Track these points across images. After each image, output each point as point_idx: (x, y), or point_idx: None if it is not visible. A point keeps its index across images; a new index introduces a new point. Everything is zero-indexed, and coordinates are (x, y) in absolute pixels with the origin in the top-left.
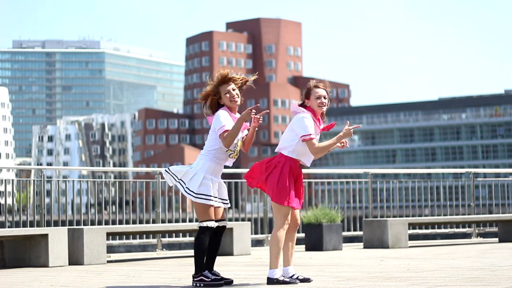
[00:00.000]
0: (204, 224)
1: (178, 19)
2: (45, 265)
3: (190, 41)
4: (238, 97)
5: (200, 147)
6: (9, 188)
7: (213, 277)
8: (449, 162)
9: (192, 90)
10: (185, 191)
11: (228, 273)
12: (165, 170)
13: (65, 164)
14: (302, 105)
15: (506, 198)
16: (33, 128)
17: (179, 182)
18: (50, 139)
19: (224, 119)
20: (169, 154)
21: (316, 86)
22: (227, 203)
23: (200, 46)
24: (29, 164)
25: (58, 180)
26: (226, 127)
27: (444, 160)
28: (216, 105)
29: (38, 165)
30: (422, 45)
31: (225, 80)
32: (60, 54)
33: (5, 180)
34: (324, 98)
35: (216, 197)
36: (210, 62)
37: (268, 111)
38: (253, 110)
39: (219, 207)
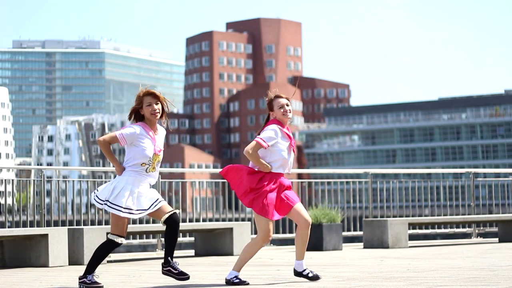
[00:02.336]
0: (113, 237)
1: (178, 19)
2: (45, 265)
3: (190, 41)
4: (159, 112)
5: (200, 147)
6: (9, 188)
7: (94, 279)
8: (449, 162)
9: (192, 90)
10: (99, 202)
11: (228, 273)
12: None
13: (65, 164)
14: (269, 117)
15: (506, 198)
16: (33, 128)
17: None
18: (50, 139)
19: (130, 126)
20: (169, 154)
21: (277, 97)
22: (151, 208)
23: (200, 46)
24: (29, 164)
25: (58, 180)
26: (117, 132)
27: (444, 160)
28: (135, 114)
29: (38, 165)
30: (422, 45)
31: (150, 93)
32: (60, 54)
33: (5, 180)
34: (287, 105)
35: (129, 209)
36: (210, 62)
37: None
38: None
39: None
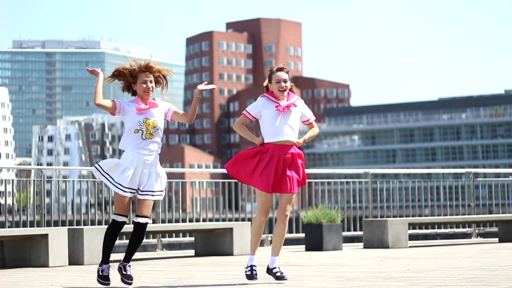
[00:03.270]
0: (113, 217)
1: (178, 19)
2: (45, 265)
3: (190, 41)
4: (152, 90)
5: (200, 147)
6: (9, 188)
7: (106, 273)
8: (449, 162)
9: (192, 90)
10: (99, 171)
11: (228, 273)
12: (94, 167)
13: (65, 164)
14: (267, 89)
15: (506, 198)
16: (33, 128)
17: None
18: (50, 139)
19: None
20: (169, 154)
21: (278, 70)
22: (143, 194)
23: (200, 46)
24: (29, 164)
25: (58, 180)
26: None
27: (444, 160)
28: (127, 88)
29: (38, 165)
30: (422, 45)
31: (147, 68)
32: (60, 54)
33: (5, 180)
34: (285, 82)
35: (121, 185)
36: (210, 62)
37: (215, 86)
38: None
39: (127, 197)
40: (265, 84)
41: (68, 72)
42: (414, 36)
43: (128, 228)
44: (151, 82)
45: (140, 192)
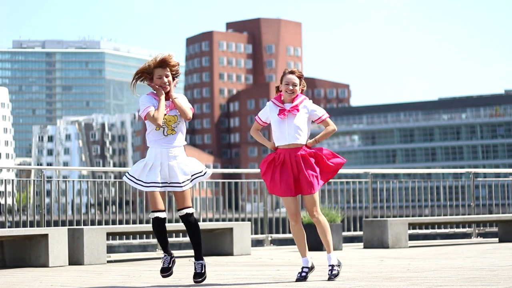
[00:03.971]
0: (150, 215)
1: (178, 19)
2: (45, 265)
3: (190, 41)
4: (169, 85)
5: (200, 147)
6: (9, 188)
7: (164, 266)
8: (449, 162)
9: (192, 90)
10: (128, 178)
11: (228, 273)
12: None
13: (65, 164)
14: (278, 89)
15: (506, 198)
16: (33, 128)
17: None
18: (50, 139)
19: (144, 102)
20: None
21: (290, 72)
22: (171, 186)
23: (200, 46)
24: (29, 164)
25: (58, 180)
26: (148, 109)
27: (444, 160)
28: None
29: (38, 165)
30: (422, 45)
31: (164, 63)
32: (60, 54)
33: (5, 180)
34: (293, 85)
35: (141, 181)
36: (210, 62)
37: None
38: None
39: (154, 191)
40: (277, 85)
41: (68, 72)
42: (414, 36)
43: (131, 228)
44: (166, 76)
45: (169, 185)
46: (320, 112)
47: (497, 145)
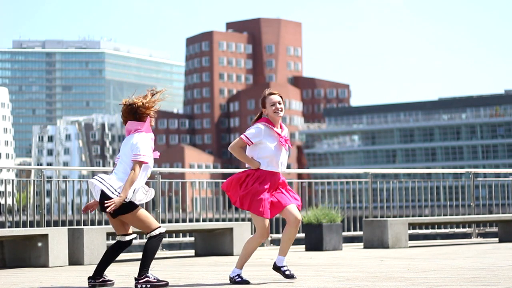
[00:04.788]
0: (158, 231)
1: (178, 19)
2: (45, 265)
3: (190, 41)
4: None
5: (200, 147)
6: (9, 188)
7: (157, 277)
8: (449, 162)
9: (192, 90)
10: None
11: (228, 273)
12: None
13: (65, 164)
14: (261, 115)
15: (506, 198)
16: (33, 128)
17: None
18: (50, 139)
19: (145, 149)
20: (169, 154)
21: (270, 94)
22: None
23: (200, 46)
24: (29, 164)
25: (58, 180)
26: (144, 159)
27: (444, 160)
28: (133, 114)
29: (38, 165)
30: (422, 45)
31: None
32: (60, 54)
33: (5, 180)
34: (279, 104)
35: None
36: (210, 62)
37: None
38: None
39: None
40: (260, 113)
41: (68, 72)
42: (414, 36)
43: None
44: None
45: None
46: None
47: (497, 145)
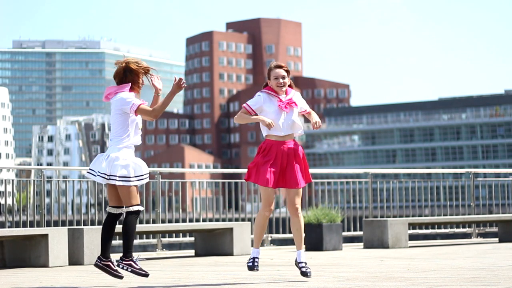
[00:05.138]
0: (137, 208)
1: (178, 19)
2: (45, 265)
3: (190, 41)
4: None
5: (200, 147)
6: (9, 188)
7: (139, 266)
8: (449, 162)
9: (192, 90)
10: (103, 177)
11: (228, 273)
12: (87, 172)
13: (65, 164)
14: (266, 85)
15: (506, 198)
16: (33, 128)
17: (97, 174)
18: (50, 139)
19: (130, 97)
20: (169, 154)
21: (276, 67)
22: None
23: (200, 46)
24: (29, 164)
25: (58, 180)
26: (136, 103)
27: (444, 160)
28: (123, 77)
29: (38, 165)
30: (422, 45)
31: (147, 71)
32: (60, 54)
33: (5, 180)
34: (283, 78)
35: (135, 177)
36: (210, 62)
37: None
38: (182, 81)
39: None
40: (265, 82)
41: (68, 72)
42: (414, 36)
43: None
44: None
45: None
46: (306, 106)
47: (497, 145)
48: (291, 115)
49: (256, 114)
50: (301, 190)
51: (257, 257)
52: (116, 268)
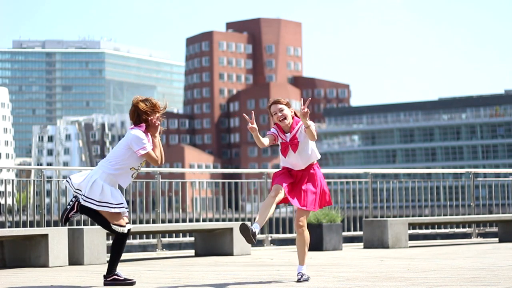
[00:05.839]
0: (120, 230)
1: (178, 19)
2: (45, 265)
3: (190, 41)
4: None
5: (200, 147)
6: (9, 188)
7: (124, 276)
8: (449, 162)
9: (192, 90)
10: (84, 200)
11: (228, 273)
12: (66, 180)
13: (65, 164)
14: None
15: (506, 198)
16: (33, 128)
17: (77, 192)
18: (50, 139)
19: (144, 140)
20: (169, 154)
21: (273, 103)
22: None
23: (200, 46)
24: (29, 164)
25: (58, 180)
26: (147, 148)
27: (444, 160)
28: (137, 117)
29: (38, 165)
30: (422, 45)
31: (156, 110)
32: (60, 54)
33: (5, 180)
34: (281, 111)
35: (116, 204)
36: (210, 62)
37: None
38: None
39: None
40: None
41: (68, 72)
42: (414, 36)
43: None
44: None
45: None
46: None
47: (497, 145)
48: (299, 150)
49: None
50: (307, 212)
51: (257, 233)
52: (124, 276)
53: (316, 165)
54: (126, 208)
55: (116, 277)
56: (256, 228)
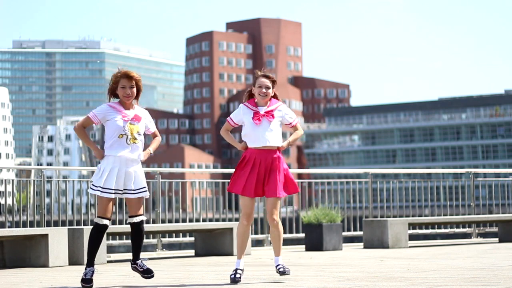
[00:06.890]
0: (96, 220)
1: (178, 19)
2: (45, 265)
3: (190, 41)
4: (131, 96)
5: (200, 147)
6: (9, 188)
7: (87, 277)
8: (449, 162)
9: (192, 90)
10: (91, 188)
11: (228, 273)
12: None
13: (65, 164)
14: (250, 91)
15: (506, 198)
16: (33, 128)
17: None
18: (50, 139)
19: (96, 109)
20: (169, 154)
21: (262, 76)
22: (134, 192)
23: (200, 46)
24: (29, 164)
25: (58, 180)
26: (88, 114)
27: (444, 160)
28: (111, 92)
29: (38, 165)
30: (422, 45)
31: (125, 75)
32: (60, 54)
33: (5, 180)
34: (267, 88)
35: (107, 188)
36: (210, 62)
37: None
38: None
39: (122, 198)
40: (250, 88)
41: (68, 72)
42: (414, 36)
43: (126, 228)
44: (131, 87)
45: (124, 192)
46: (291, 118)
47: (497, 145)
48: (267, 127)
49: (238, 126)
50: (278, 201)
51: (239, 269)
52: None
53: (280, 152)
54: (114, 193)
55: (135, 266)
56: (238, 265)
